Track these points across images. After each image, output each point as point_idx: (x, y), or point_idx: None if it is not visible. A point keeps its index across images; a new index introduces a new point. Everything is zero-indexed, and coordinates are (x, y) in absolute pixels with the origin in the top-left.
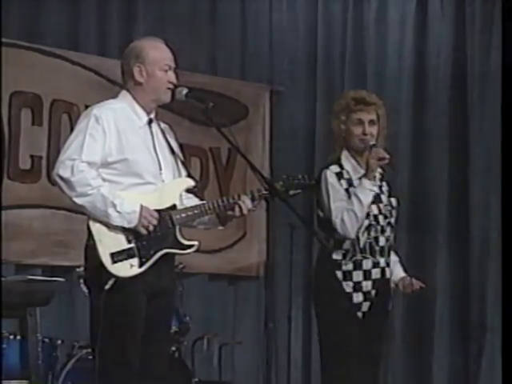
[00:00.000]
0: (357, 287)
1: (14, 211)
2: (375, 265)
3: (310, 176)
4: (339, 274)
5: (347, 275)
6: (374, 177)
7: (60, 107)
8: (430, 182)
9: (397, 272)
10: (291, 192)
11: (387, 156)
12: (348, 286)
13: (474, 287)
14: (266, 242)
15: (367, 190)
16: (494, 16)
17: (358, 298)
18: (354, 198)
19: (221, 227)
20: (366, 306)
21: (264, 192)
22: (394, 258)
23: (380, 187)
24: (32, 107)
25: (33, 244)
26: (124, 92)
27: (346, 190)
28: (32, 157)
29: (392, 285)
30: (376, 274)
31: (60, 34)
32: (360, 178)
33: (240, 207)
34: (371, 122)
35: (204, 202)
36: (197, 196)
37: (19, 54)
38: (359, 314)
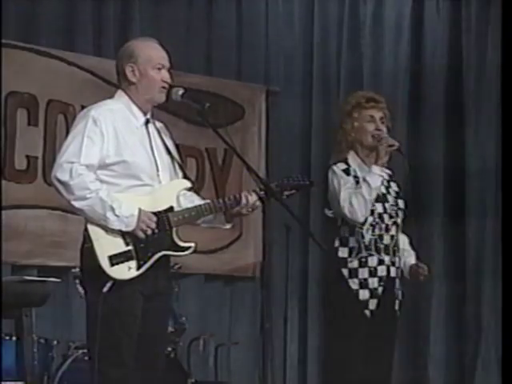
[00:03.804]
0: (363, 284)
1: (9, 212)
2: (380, 262)
3: (304, 176)
4: (345, 272)
5: (353, 272)
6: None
7: (56, 107)
8: (426, 182)
9: (408, 260)
10: (286, 193)
11: (396, 143)
12: (354, 283)
13: (470, 287)
14: (261, 242)
15: (376, 175)
16: (490, 16)
17: (364, 295)
18: (362, 182)
19: (227, 225)
20: (373, 304)
21: (260, 193)
22: (406, 247)
23: (387, 188)
24: (28, 107)
25: (28, 244)
26: (120, 92)
27: (356, 182)
28: (28, 157)
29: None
30: (382, 271)
31: (56, 34)
32: (370, 167)
33: (247, 198)
34: (381, 119)
35: (202, 202)
36: (197, 194)
37: (15, 54)
38: (367, 313)
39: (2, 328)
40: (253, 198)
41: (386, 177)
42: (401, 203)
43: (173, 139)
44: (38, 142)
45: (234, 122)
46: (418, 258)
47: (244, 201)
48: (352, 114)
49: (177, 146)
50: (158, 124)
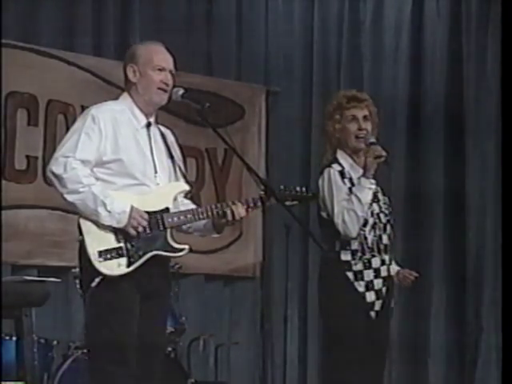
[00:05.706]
0: (369, 286)
1: (9, 212)
2: (383, 262)
3: (307, 188)
4: (350, 275)
5: (358, 275)
6: (372, 175)
7: (56, 107)
8: (426, 181)
9: (392, 267)
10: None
11: (384, 153)
12: (360, 286)
13: (470, 288)
14: (261, 242)
15: (366, 189)
16: (490, 15)
17: (370, 297)
18: (353, 198)
19: (216, 235)
20: (378, 305)
21: (260, 193)
22: None
23: (376, 186)
24: (28, 107)
25: (28, 244)
26: (124, 94)
27: (350, 190)
28: (28, 157)
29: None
30: (384, 271)
31: (56, 34)
32: (359, 178)
33: (232, 211)
34: (365, 118)
35: (197, 207)
36: (193, 202)
37: (15, 54)
38: (372, 314)
39: (2, 328)
40: (240, 210)
41: (374, 188)
42: (387, 200)
43: (179, 145)
44: (38, 141)
45: (234, 122)
46: (395, 260)
47: (229, 215)
48: (334, 116)
49: (181, 150)
50: (164, 129)
